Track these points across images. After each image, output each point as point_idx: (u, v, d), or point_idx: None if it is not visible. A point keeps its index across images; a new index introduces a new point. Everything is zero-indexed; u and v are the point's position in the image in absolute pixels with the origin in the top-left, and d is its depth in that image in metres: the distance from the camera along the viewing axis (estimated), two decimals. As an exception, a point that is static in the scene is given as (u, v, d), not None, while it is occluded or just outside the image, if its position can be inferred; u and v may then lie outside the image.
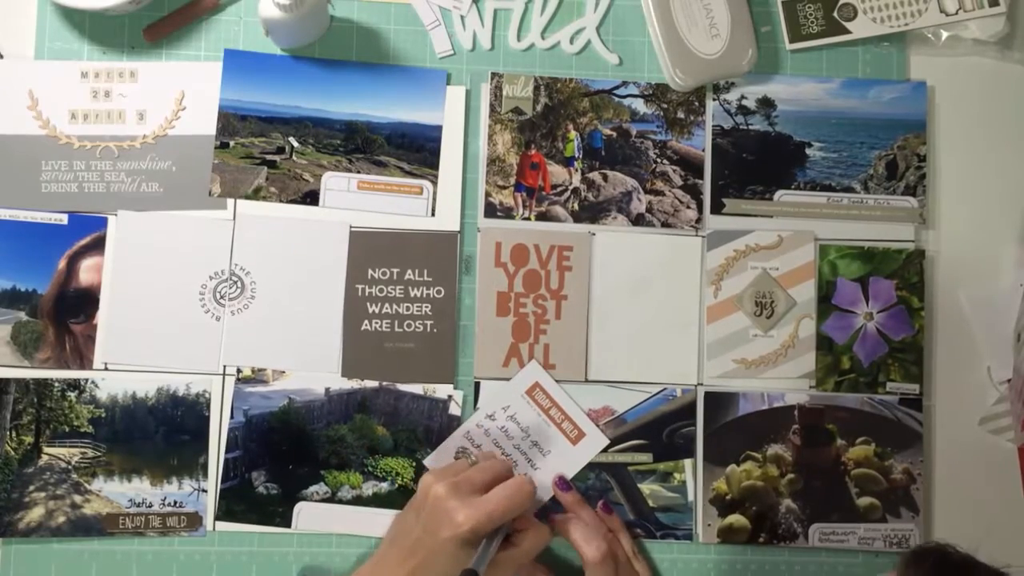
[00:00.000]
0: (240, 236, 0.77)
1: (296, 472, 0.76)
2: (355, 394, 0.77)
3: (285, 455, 0.76)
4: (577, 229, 0.79)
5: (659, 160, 0.80)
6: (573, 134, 0.80)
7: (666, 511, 0.78)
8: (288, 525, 0.76)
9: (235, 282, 0.77)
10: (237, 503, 0.75)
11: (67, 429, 0.75)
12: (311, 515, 0.76)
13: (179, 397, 0.76)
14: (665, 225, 0.80)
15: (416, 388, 0.77)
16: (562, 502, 0.76)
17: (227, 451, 0.76)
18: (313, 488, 0.76)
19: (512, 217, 0.79)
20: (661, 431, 0.78)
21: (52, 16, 0.78)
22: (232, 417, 0.76)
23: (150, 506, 0.75)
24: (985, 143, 0.83)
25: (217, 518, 0.75)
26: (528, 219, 0.79)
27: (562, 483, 0.76)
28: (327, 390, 0.76)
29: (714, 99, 0.81)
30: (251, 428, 0.76)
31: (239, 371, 0.76)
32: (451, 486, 0.65)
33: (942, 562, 0.54)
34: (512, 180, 0.79)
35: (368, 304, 0.77)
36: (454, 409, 0.77)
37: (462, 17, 0.80)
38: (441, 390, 0.77)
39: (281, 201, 0.77)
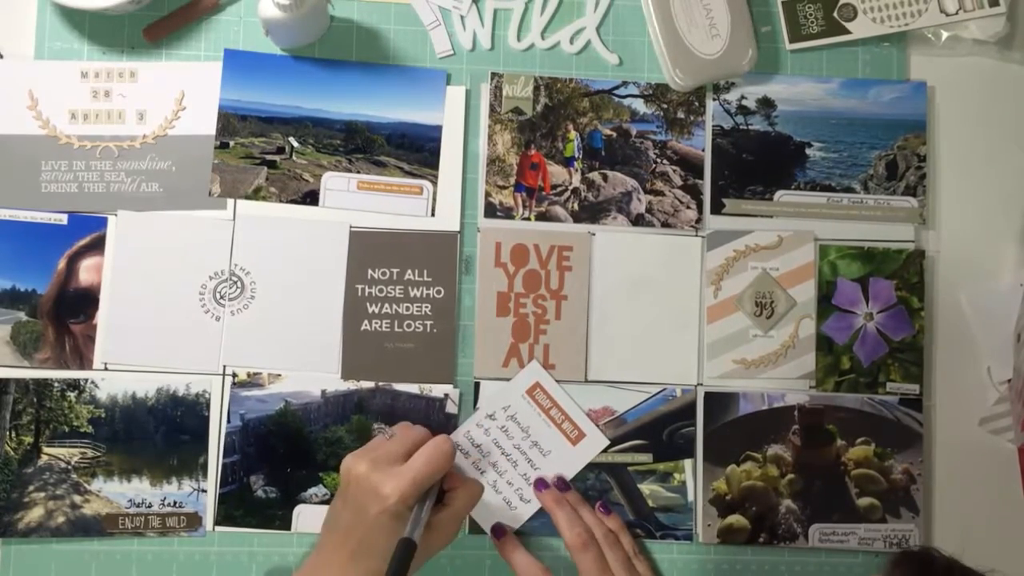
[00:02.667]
0: (240, 236, 0.77)
1: (294, 475, 0.76)
2: (351, 395, 0.77)
3: (283, 458, 0.76)
4: (577, 229, 0.79)
5: (659, 160, 0.80)
6: (573, 134, 0.80)
7: (666, 511, 0.78)
8: (288, 528, 0.75)
9: (235, 282, 0.77)
10: (236, 507, 0.75)
11: (67, 429, 0.75)
12: (311, 517, 0.76)
13: (179, 397, 0.76)
14: (665, 225, 0.80)
15: (412, 388, 0.77)
16: (541, 502, 0.76)
17: (224, 456, 0.76)
18: (312, 490, 0.76)
19: (512, 217, 0.79)
20: (661, 431, 0.78)
21: (52, 16, 0.78)
22: (229, 421, 0.76)
23: (150, 506, 0.75)
24: (985, 143, 0.83)
25: (217, 523, 0.75)
26: (528, 219, 0.79)
27: (539, 484, 0.76)
28: (323, 392, 0.76)
29: (714, 99, 0.81)
30: (248, 432, 0.76)
31: (235, 375, 0.76)
32: (371, 462, 0.65)
33: (927, 566, 0.54)
34: (512, 180, 0.79)
35: (368, 304, 0.77)
36: (451, 407, 0.77)
37: (462, 17, 0.80)
38: (437, 389, 0.77)
39: (281, 201, 0.77)
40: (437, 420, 0.77)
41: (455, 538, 0.69)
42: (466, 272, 0.78)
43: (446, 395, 0.77)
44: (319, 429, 0.76)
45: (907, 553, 0.56)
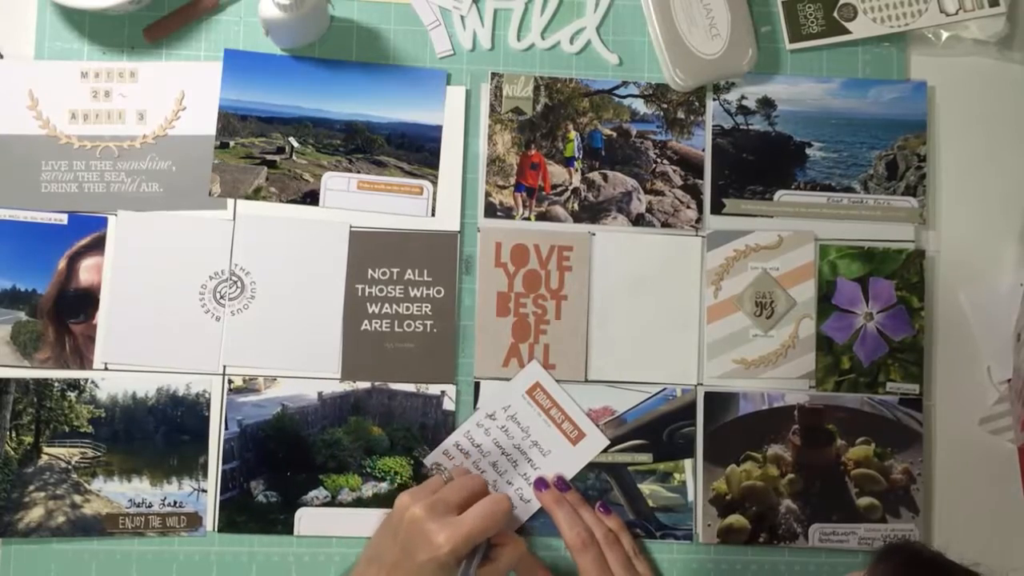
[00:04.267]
0: (240, 236, 0.77)
1: (294, 478, 0.76)
2: (348, 397, 0.77)
3: (282, 462, 0.76)
4: (577, 229, 0.79)
5: (659, 160, 0.80)
6: (573, 134, 0.80)
7: (666, 511, 0.78)
8: (290, 532, 0.75)
9: (235, 282, 0.77)
10: (238, 513, 0.75)
11: (67, 429, 0.75)
12: (313, 520, 0.76)
13: (179, 397, 0.76)
14: (665, 225, 0.80)
15: (409, 386, 0.77)
16: (541, 502, 0.76)
17: (224, 462, 0.75)
18: (313, 493, 0.76)
19: (512, 217, 0.79)
20: (661, 431, 0.78)
21: (52, 16, 0.78)
22: (226, 428, 0.76)
23: (150, 506, 0.75)
24: (985, 143, 0.83)
25: (219, 530, 0.75)
26: (528, 219, 0.79)
27: (539, 484, 0.76)
28: (320, 394, 0.76)
29: (714, 99, 0.81)
30: (246, 438, 0.76)
31: (231, 381, 0.76)
32: (428, 507, 0.65)
33: (912, 559, 0.54)
34: (512, 180, 0.79)
35: (368, 304, 0.77)
36: (448, 405, 0.77)
37: (462, 17, 0.80)
38: (434, 387, 0.77)
39: (281, 201, 0.77)
40: (435, 417, 0.77)
41: None
42: (466, 272, 0.78)
43: (443, 392, 0.77)
44: (317, 432, 0.76)
45: (892, 547, 0.56)
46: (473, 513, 0.65)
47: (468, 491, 0.68)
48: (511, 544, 0.69)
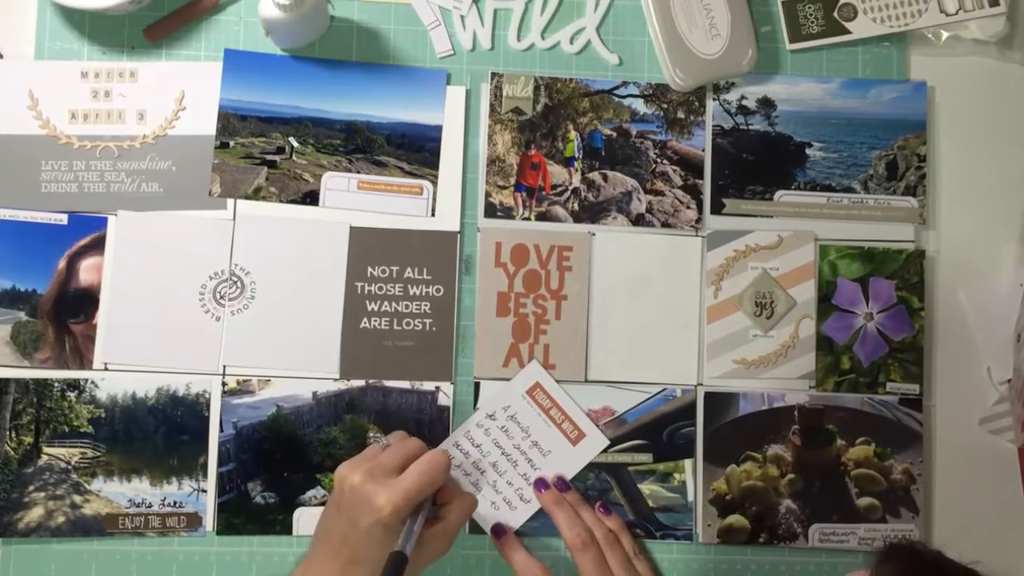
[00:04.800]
0: (240, 236, 0.77)
1: (292, 479, 0.76)
2: (343, 395, 0.77)
3: (279, 463, 0.76)
4: (577, 229, 0.79)
5: (659, 160, 0.80)
6: (573, 134, 0.80)
7: (666, 511, 0.78)
8: (289, 532, 0.76)
9: (235, 282, 0.77)
10: (236, 516, 0.75)
11: (67, 429, 0.75)
12: (311, 519, 0.75)
13: (179, 397, 0.76)
14: (665, 225, 0.80)
15: (403, 383, 0.77)
16: (541, 503, 0.76)
17: (220, 465, 0.75)
18: (311, 493, 0.76)
19: (512, 217, 0.79)
20: (661, 431, 0.78)
21: (52, 16, 0.78)
22: (221, 431, 0.76)
23: (150, 506, 0.75)
24: (985, 143, 0.83)
25: (218, 532, 0.75)
26: (528, 219, 0.79)
27: (539, 484, 0.76)
28: (315, 394, 0.76)
29: (714, 99, 0.81)
30: (242, 440, 0.76)
31: (224, 384, 0.76)
32: (366, 473, 0.65)
33: (914, 559, 0.54)
34: (512, 180, 0.79)
35: (367, 302, 0.77)
36: (443, 400, 0.77)
37: (462, 17, 0.80)
38: (429, 383, 0.77)
39: (281, 201, 0.77)
40: (430, 413, 0.77)
41: (446, 552, 0.68)
42: (466, 272, 0.78)
43: (437, 388, 0.77)
44: (313, 431, 0.76)
45: (894, 548, 0.56)
46: (411, 472, 0.66)
47: (405, 454, 0.68)
48: (458, 499, 0.70)
